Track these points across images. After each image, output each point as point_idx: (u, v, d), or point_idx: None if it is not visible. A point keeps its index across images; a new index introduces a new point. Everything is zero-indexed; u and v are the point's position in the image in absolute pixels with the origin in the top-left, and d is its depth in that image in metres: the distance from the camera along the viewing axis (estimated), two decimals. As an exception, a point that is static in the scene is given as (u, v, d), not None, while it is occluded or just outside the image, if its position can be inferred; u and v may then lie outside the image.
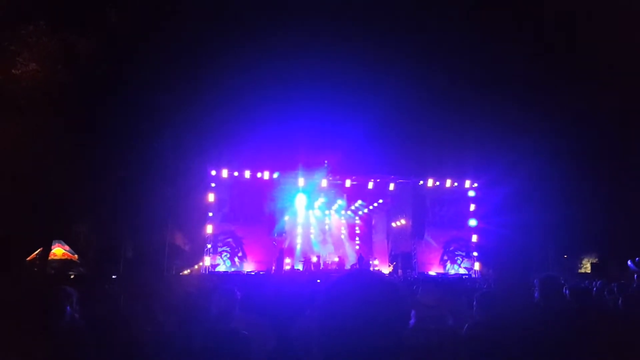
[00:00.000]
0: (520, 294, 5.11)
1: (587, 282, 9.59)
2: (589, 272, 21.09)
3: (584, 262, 23.23)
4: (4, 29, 12.08)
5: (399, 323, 1.25)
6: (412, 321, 3.78)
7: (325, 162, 19.27)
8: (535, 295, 4.08)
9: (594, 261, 22.24)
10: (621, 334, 3.58)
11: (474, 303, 3.81)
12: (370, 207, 23.49)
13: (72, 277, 14.99)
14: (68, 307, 2.71)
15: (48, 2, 12.87)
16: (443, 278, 16.12)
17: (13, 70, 12.14)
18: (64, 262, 19.22)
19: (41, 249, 18.08)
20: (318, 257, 20.90)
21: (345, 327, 1.17)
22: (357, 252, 22.79)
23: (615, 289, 7.07)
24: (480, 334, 3.62)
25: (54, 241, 18.94)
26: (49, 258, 18.35)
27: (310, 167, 19.29)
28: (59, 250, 19.69)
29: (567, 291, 6.04)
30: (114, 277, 12.97)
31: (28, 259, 18.60)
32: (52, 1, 12.99)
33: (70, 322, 2.65)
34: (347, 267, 21.42)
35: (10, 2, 12.22)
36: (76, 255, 20.28)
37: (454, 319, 3.74)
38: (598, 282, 8.38)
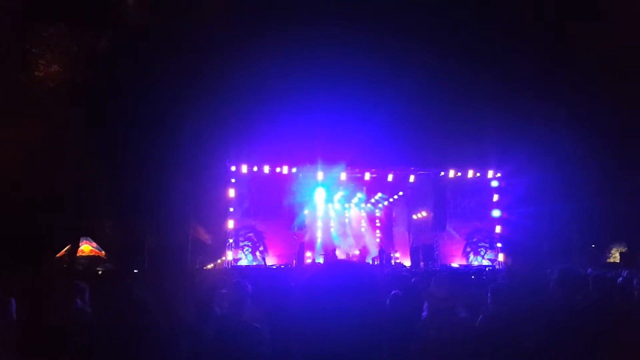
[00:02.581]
0: (539, 285, 5.00)
1: (613, 272, 9.32)
2: (618, 261, 20.49)
3: (612, 251, 22.57)
4: (26, 32, 12.42)
5: (381, 316, 1.22)
6: (424, 314, 3.75)
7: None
8: (554, 287, 3.98)
9: (623, 250, 21.59)
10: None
11: (488, 295, 3.74)
12: (391, 200, 23.33)
13: (100, 272, 15.39)
14: (79, 301, 2.79)
15: (67, 4, 13.15)
16: (463, 270, 15.91)
17: (34, 72, 12.48)
18: (91, 259, 19.81)
19: (69, 246, 18.65)
20: (333, 250, 20.88)
21: (327, 323, 1.15)
22: (378, 245, 22.70)
23: (642, 279, 6.84)
24: (494, 326, 3.56)
25: (81, 238, 19.52)
26: (77, 255, 18.92)
27: (329, 160, 19.25)
28: (86, 247, 20.31)
29: (591, 281, 5.89)
30: (135, 271, 13.26)
31: (57, 255, 19.22)
32: (72, 3, 13.26)
33: (77, 316, 2.73)
34: (369, 260, 21.38)
35: (31, 6, 12.54)
36: (103, 252, 20.86)
37: (467, 311, 3.68)
38: (625, 272, 8.12)
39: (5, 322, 2.48)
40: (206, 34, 17.72)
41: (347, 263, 1.29)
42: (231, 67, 18.91)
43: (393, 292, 3.99)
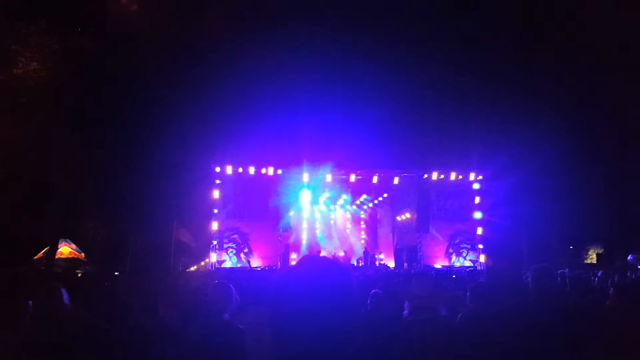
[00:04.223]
0: (517, 285, 5.12)
1: (590, 272, 9.56)
2: (595, 262, 20.97)
3: (590, 252, 23.09)
4: (5, 29, 12.17)
5: (357, 311, 1.24)
6: (405, 312, 3.80)
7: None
8: (529, 286, 4.07)
9: (600, 252, 22.10)
10: (612, 323, 3.58)
11: (467, 294, 3.82)
12: (375, 202, 23.48)
13: (79, 275, 15.12)
14: (57, 303, 2.78)
15: (55, 3, 12.94)
16: (447, 270, 16.09)
17: (15, 70, 12.23)
18: (70, 261, 19.38)
19: (48, 247, 18.25)
20: (318, 251, 20.88)
21: (305, 321, 1.17)
22: (362, 246, 22.80)
23: (617, 279, 7.05)
24: (474, 323, 3.63)
25: (60, 240, 19.11)
26: (56, 257, 18.52)
27: (314, 162, 19.29)
28: (65, 249, 19.86)
29: (567, 281, 6.04)
30: (116, 273, 13.10)
31: (35, 257, 18.79)
32: (59, 3, 13.06)
33: (55, 319, 2.72)
34: (353, 261, 21.46)
35: (12, 2, 12.31)
36: (83, 254, 20.46)
37: (447, 309, 3.75)
38: (600, 272, 8.36)
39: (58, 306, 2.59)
40: (192, 36, 17.63)
41: (320, 259, 1.31)
42: (217, 68, 18.84)
43: (373, 290, 4.05)
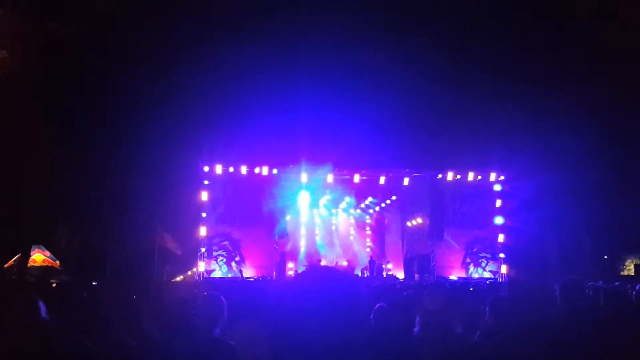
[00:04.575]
0: (543, 299, 5.13)
1: (629, 285, 9.53)
2: (633, 274, 20.93)
3: (626, 263, 23.04)
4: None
5: (361, 325, 1.26)
6: (416, 329, 3.82)
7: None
8: (557, 300, 4.08)
9: (639, 262, 22.05)
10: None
11: (487, 309, 3.83)
12: (383, 205, 23.52)
13: (53, 285, 15.20)
14: (34, 315, 2.82)
15: None
16: (463, 282, 16.12)
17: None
18: (44, 270, 19.48)
19: (19, 255, 18.34)
20: (318, 260, 20.95)
21: (303, 337, 1.20)
22: (368, 255, 22.86)
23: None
24: (493, 342, 3.64)
25: (33, 246, 19.21)
26: (28, 265, 18.62)
27: (314, 161, 19.32)
28: (38, 257, 19.97)
29: (601, 295, 6.03)
30: (94, 283, 13.18)
31: (5, 266, 18.89)
32: None
33: (32, 332, 2.76)
34: (357, 271, 21.50)
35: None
36: (57, 262, 20.56)
37: (463, 326, 3.76)
38: (637, 286, 8.34)
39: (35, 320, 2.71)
40: (178, 26, 17.71)
41: (325, 269, 1.33)
42: (206, 59, 18.86)
43: (378, 305, 4.04)
